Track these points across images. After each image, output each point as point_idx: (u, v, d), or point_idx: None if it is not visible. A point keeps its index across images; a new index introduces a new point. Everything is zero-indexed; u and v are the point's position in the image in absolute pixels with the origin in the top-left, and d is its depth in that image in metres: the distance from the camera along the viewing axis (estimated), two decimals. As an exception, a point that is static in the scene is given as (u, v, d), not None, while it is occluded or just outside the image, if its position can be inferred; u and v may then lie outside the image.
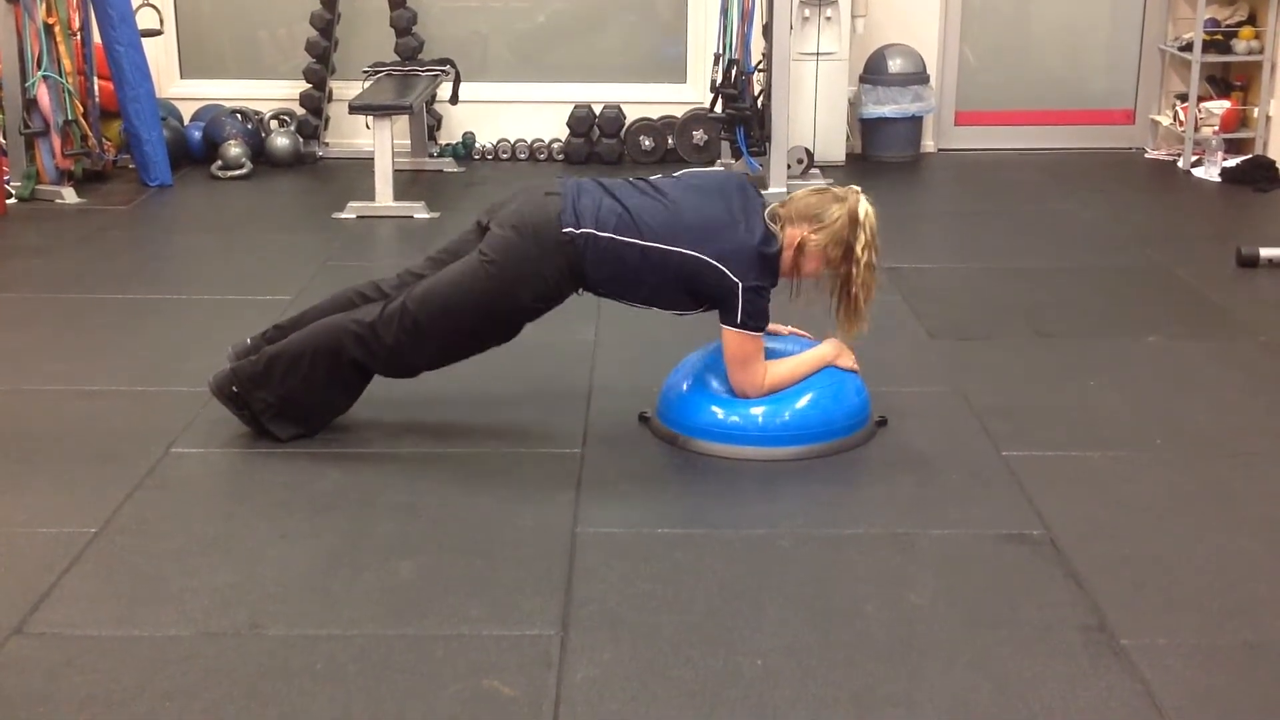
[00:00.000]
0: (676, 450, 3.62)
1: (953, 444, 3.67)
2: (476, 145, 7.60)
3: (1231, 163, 6.99)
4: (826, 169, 6.96)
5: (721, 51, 7.03)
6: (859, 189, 3.58)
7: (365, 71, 7.18)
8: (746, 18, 6.92)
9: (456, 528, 3.19)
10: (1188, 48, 7.25)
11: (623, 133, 7.48)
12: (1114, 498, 3.36)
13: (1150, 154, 7.65)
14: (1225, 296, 5.00)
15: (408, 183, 6.81)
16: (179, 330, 4.63)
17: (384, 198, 6.31)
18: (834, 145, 7.24)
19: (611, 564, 3.00)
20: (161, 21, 7.20)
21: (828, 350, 3.66)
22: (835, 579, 2.95)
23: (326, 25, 7.38)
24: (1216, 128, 7.21)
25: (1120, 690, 2.53)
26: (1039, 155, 7.62)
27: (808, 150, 6.96)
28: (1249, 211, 6.46)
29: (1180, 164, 7.28)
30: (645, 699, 2.50)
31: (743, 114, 6.83)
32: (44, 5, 6.40)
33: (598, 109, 7.52)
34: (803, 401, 3.58)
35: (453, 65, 7.29)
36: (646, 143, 7.45)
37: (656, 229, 3.43)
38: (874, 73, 7.39)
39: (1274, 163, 6.93)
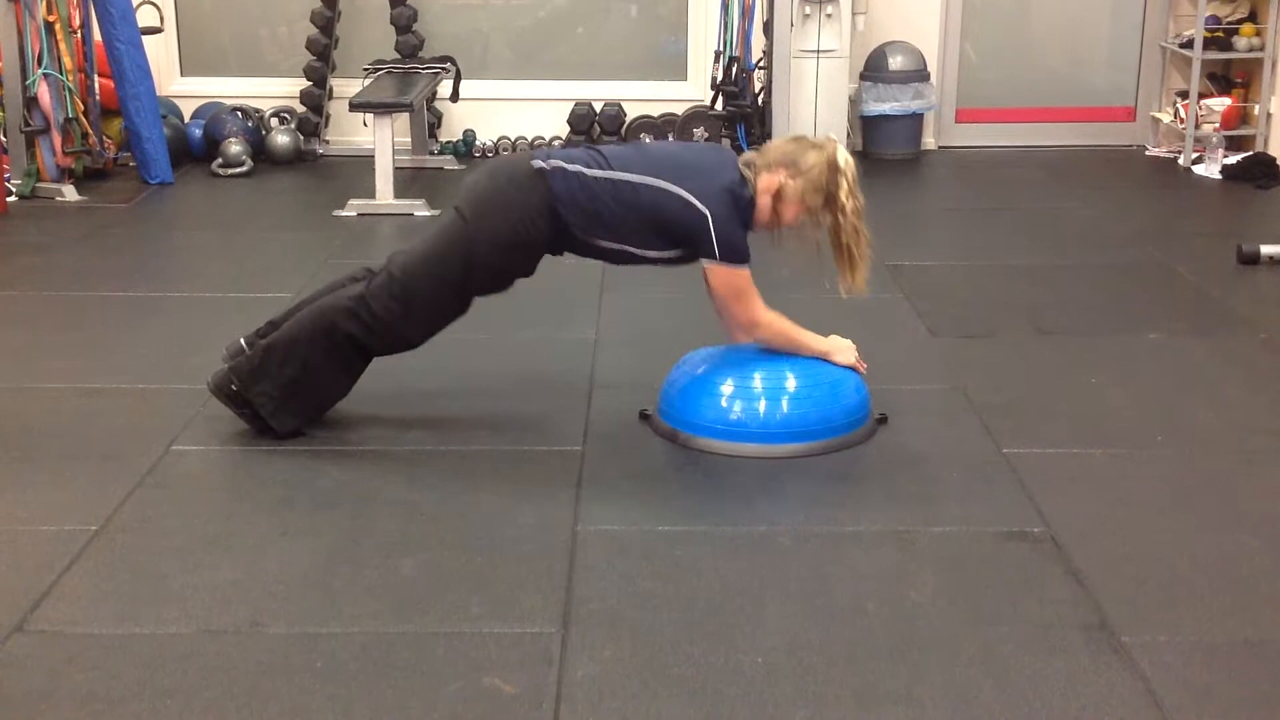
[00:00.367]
0: (677, 448, 3.62)
1: (953, 441, 3.67)
2: (477, 143, 7.60)
3: (1232, 160, 6.99)
4: (827, 166, 6.95)
5: (722, 49, 7.05)
6: (835, 137, 3.58)
7: (366, 69, 7.18)
8: (747, 15, 6.93)
9: (457, 525, 3.19)
10: (1188, 45, 7.24)
11: (623, 130, 7.48)
12: (1115, 495, 3.36)
13: (1151, 151, 7.65)
14: (1226, 294, 5.00)
15: (408, 180, 6.81)
16: (180, 328, 4.63)
17: (384, 195, 6.31)
18: (835, 143, 7.24)
19: (612, 561, 3.01)
20: (162, 19, 7.21)
21: (832, 342, 3.66)
22: (836, 576, 2.95)
23: (327, 23, 7.38)
24: (1217, 125, 7.22)
25: (1121, 687, 2.53)
26: (1040, 152, 7.62)
27: (808, 148, 6.95)
28: (1249, 209, 6.46)
29: (1181, 161, 7.28)
30: (646, 696, 2.50)
31: (743, 111, 6.84)
32: (44, 3, 6.40)
33: (598, 106, 7.52)
34: (803, 399, 3.58)
35: (453, 63, 7.29)
36: (647, 140, 7.45)
37: (626, 164, 3.48)
38: (875, 70, 7.39)
39: (1274, 160, 6.93)
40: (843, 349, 3.67)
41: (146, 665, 2.59)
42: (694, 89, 7.66)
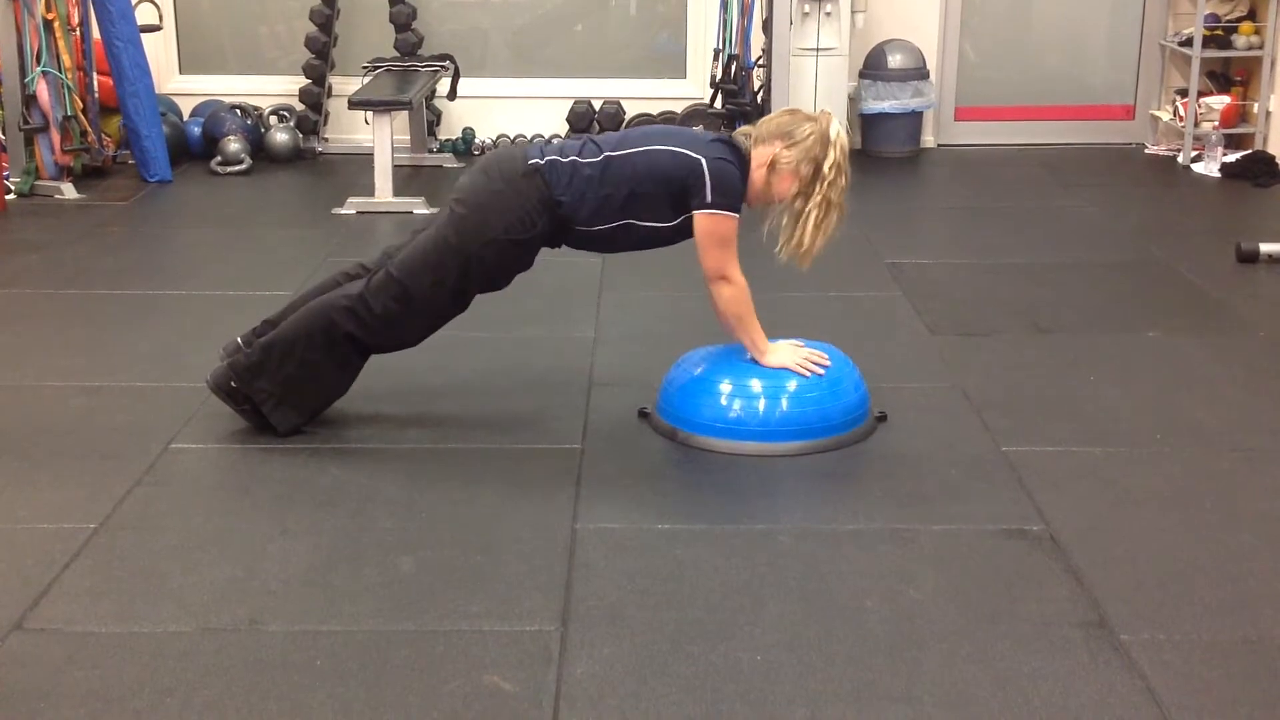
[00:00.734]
0: (676, 446, 3.62)
1: (953, 439, 3.68)
2: (476, 141, 7.60)
3: (1231, 158, 6.99)
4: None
5: (721, 47, 7.04)
6: (830, 112, 3.58)
7: (365, 67, 7.17)
8: (746, 13, 6.93)
9: (457, 523, 3.20)
10: (1188, 43, 7.24)
11: (622, 128, 7.47)
12: (1114, 493, 3.36)
13: (1150, 149, 7.64)
14: (1225, 292, 5.00)
15: (407, 178, 6.81)
16: (179, 326, 4.63)
17: (383, 193, 6.31)
18: (834, 141, 7.24)
19: (611, 559, 3.01)
20: (161, 17, 7.20)
21: (775, 346, 3.61)
22: (835, 574, 2.95)
23: (326, 21, 7.37)
24: (1216, 123, 7.21)
25: (1119, 685, 2.53)
26: (1039, 150, 7.62)
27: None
28: (1249, 207, 6.46)
29: (1180, 159, 7.27)
30: (645, 694, 2.50)
31: (743, 109, 6.84)
32: (43, 1, 6.40)
33: (597, 104, 7.52)
34: (802, 397, 3.58)
35: (452, 61, 7.28)
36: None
37: (618, 143, 3.52)
38: (874, 68, 7.38)
39: (1274, 158, 6.93)
40: (779, 354, 3.61)
41: (146, 663, 2.60)
42: (693, 87, 7.65)
